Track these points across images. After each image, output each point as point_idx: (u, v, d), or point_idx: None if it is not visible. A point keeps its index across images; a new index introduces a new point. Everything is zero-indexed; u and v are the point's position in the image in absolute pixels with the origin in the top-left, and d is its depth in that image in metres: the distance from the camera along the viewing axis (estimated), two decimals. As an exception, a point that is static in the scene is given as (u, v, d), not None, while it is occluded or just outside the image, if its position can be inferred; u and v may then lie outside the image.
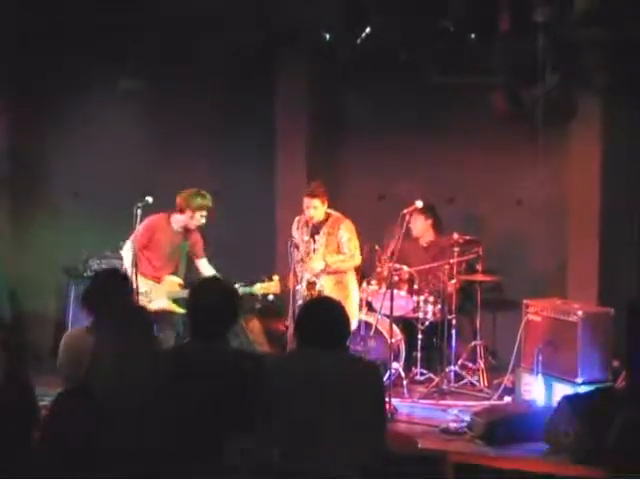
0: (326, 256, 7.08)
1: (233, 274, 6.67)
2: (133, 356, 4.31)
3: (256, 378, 3.97)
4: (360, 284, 7.56)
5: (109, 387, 4.14)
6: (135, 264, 6.63)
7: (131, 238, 6.78)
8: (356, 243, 7.15)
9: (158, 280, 7.03)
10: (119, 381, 4.18)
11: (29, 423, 4.16)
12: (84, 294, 4.91)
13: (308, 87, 8.56)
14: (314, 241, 7.13)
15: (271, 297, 7.08)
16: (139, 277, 6.79)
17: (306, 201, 7.05)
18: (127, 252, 6.89)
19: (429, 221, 8.08)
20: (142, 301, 6.65)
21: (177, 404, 3.92)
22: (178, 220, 7.06)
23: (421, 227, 8.05)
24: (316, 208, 7.03)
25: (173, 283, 7.03)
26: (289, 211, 7.72)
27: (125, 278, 5.06)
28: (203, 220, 7.07)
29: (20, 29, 8.02)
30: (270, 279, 6.99)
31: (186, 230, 7.11)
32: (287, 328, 7.34)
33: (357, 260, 7.21)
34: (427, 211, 7.96)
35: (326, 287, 7.06)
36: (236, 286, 6.53)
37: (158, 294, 6.97)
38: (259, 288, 6.95)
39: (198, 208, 6.98)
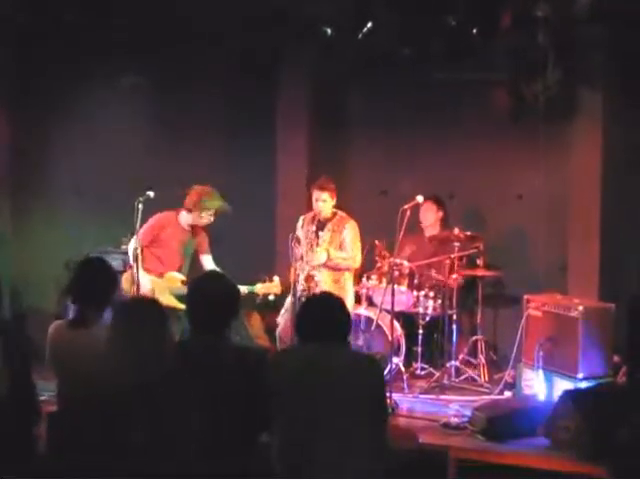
0: (329, 250, 7.09)
1: (233, 271, 6.66)
2: (144, 347, 4.27)
3: (259, 373, 3.97)
4: (359, 279, 7.57)
5: (120, 378, 4.13)
6: (136, 259, 6.64)
7: (136, 234, 6.78)
8: (359, 245, 7.16)
9: (161, 275, 7.05)
10: (131, 370, 4.14)
11: (31, 420, 4.18)
12: (67, 285, 4.80)
13: (309, 83, 8.57)
14: (318, 237, 7.15)
15: (272, 297, 7.09)
16: (144, 273, 6.81)
17: (316, 194, 7.08)
18: (131, 247, 6.89)
19: (440, 214, 8.10)
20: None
21: (179, 400, 3.92)
22: (186, 218, 7.09)
23: (432, 218, 8.07)
24: (325, 201, 7.06)
25: (175, 279, 7.02)
26: (290, 208, 7.73)
27: (105, 265, 4.92)
28: (212, 219, 7.09)
29: (20, 26, 8.01)
30: (271, 280, 7.00)
31: (193, 228, 7.14)
32: (278, 324, 7.36)
33: (357, 262, 7.23)
34: (440, 204, 8.03)
35: (324, 283, 7.07)
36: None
37: (160, 290, 6.98)
38: (260, 288, 6.96)
39: (206, 209, 7.00)
